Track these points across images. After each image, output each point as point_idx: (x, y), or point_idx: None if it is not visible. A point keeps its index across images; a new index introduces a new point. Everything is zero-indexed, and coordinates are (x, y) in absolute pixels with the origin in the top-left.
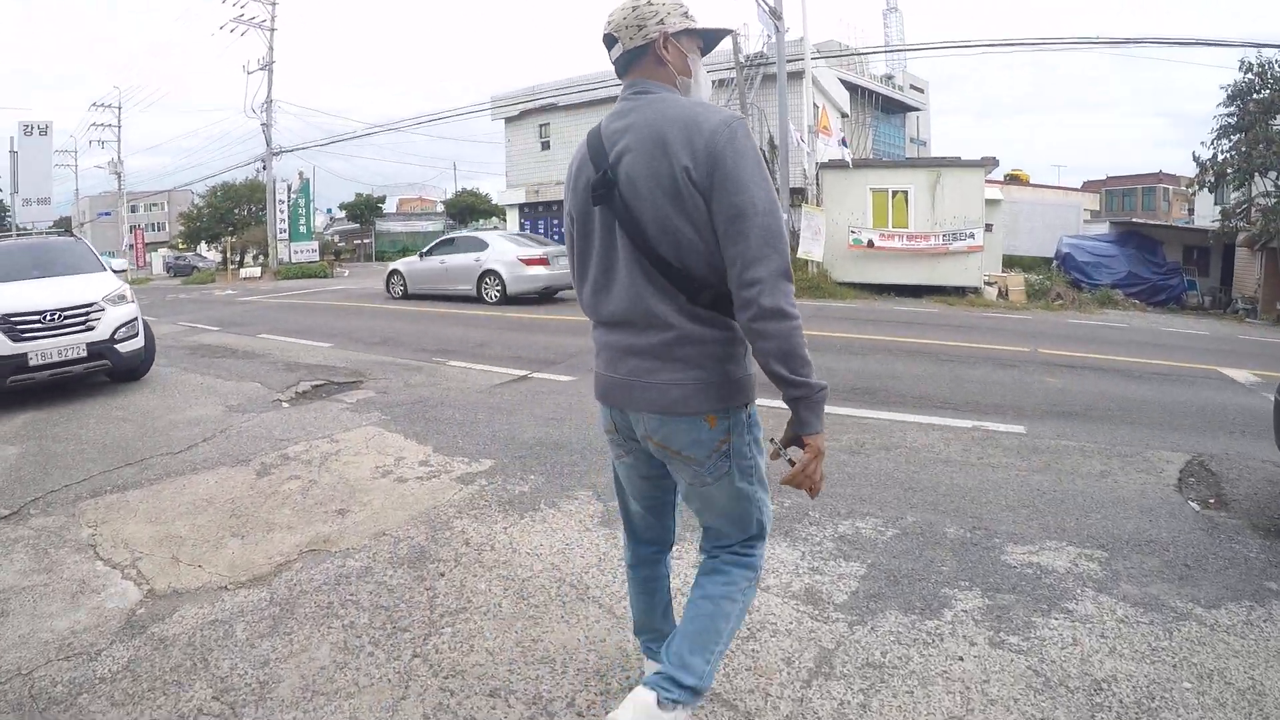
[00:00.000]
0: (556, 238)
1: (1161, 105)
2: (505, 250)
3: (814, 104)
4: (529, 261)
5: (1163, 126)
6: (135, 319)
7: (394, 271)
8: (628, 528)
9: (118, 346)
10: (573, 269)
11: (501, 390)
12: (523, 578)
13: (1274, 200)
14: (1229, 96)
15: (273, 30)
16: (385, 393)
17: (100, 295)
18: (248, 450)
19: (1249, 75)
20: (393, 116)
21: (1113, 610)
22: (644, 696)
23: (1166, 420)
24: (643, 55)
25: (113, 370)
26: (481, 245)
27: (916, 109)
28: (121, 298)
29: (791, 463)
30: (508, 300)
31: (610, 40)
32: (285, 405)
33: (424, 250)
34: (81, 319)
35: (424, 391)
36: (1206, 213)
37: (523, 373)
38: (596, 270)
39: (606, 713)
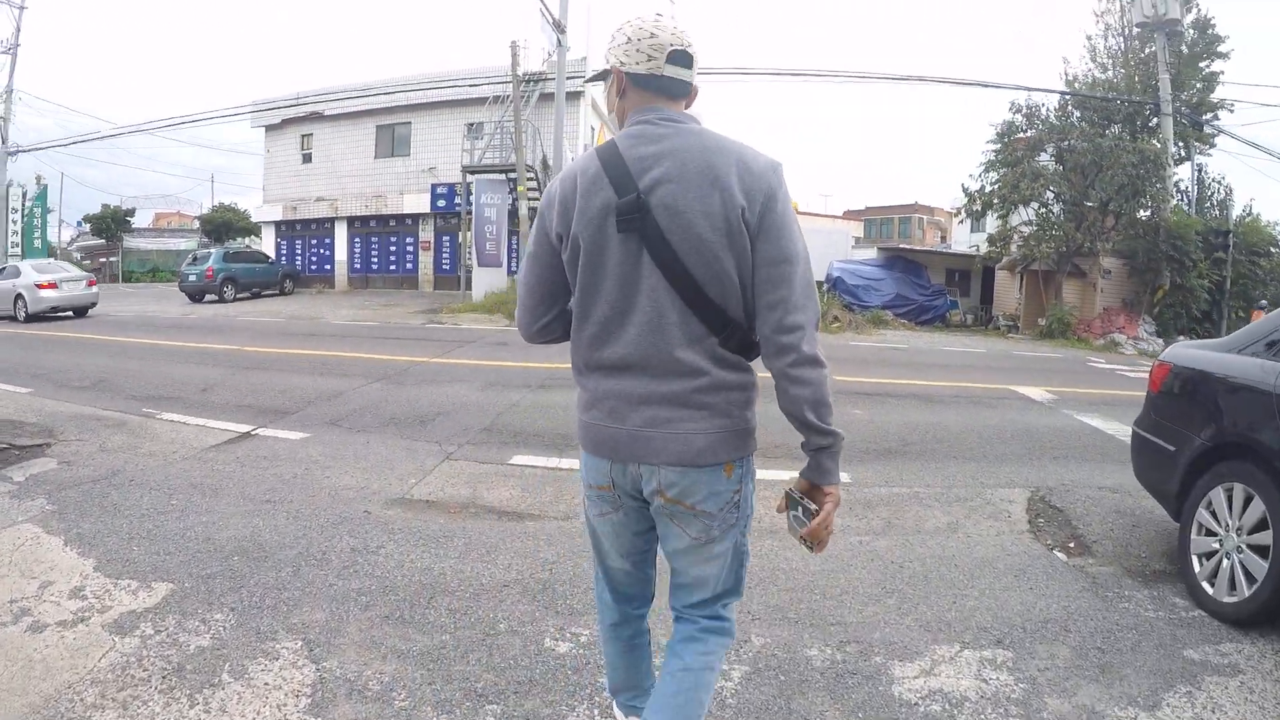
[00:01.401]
0: (314, 257)
1: (918, 139)
2: (30, 276)
3: (591, 126)
4: (42, 286)
5: (916, 160)
6: None
7: None
8: (609, 588)
9: None
10: (532, 302)
11: (215, 456)
12: None
13: (1034, 228)
14: (998, 134)
15: (22, 8)
16: (70, 463)
17: None
18: None
19: (1017, 115)
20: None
21: None
22: None
23: (988, 450)
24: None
25: None
26: (17, 272)
27: None
28: None
29: (801, 518)
30: (30, 318)
31: (686, 59)
32: None
33: None
34: None
35: (119, 459)
36: (963, 239)
37: (247, 428)
38: (607, 308)
39: None
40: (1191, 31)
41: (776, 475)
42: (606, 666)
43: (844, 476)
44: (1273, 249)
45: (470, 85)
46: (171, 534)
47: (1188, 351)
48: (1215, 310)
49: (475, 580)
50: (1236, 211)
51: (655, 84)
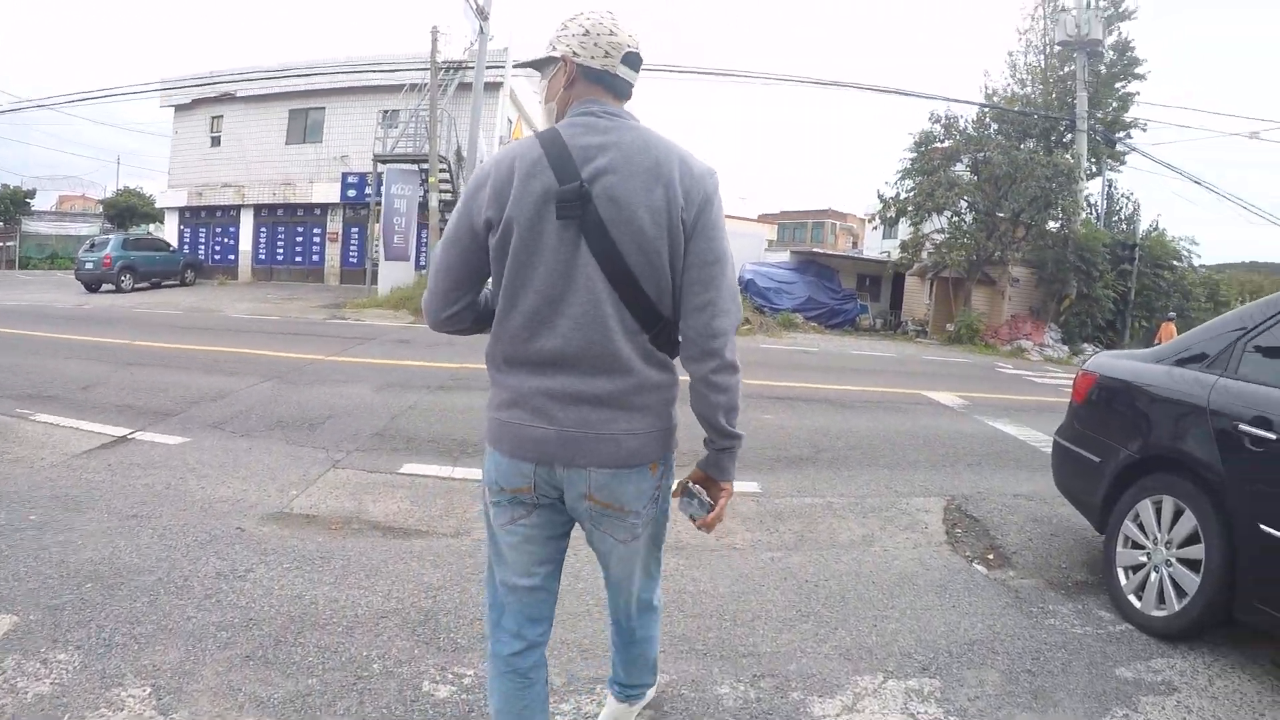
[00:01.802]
0: (218, 246)
1: (836, 145)
2: None
3: (509, 118)
4: None
5: (833, 165)
6: None
7: None
8: (511, 613)
9: None
10: (445, 287)
11: (85, 463)
12: None
13: (946, 236)
14: (916, 143)
15: None
16: None
17: None
18: None
19: (936, 126)
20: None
21: None
22: (618, 706)
23: (901, 457)
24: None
25: None
26: None
27: None
28: None
29: (698, 510)
30: None
31: (637, 61)
32: None
33: None
34: None
35: None
36: (874, 245)
37: (124, 431)
38: (538, 298)
39: None
40: (1111, 53)
41: None
42: (493, 715)
43: (753, 486)
44: (1176, 263)
45: (388, 71)
46: (24, 555)
47: (1114, 362)
48: (1119, 320)
49: (350, 610)
50: (1143, 226)
51: (607, 80)
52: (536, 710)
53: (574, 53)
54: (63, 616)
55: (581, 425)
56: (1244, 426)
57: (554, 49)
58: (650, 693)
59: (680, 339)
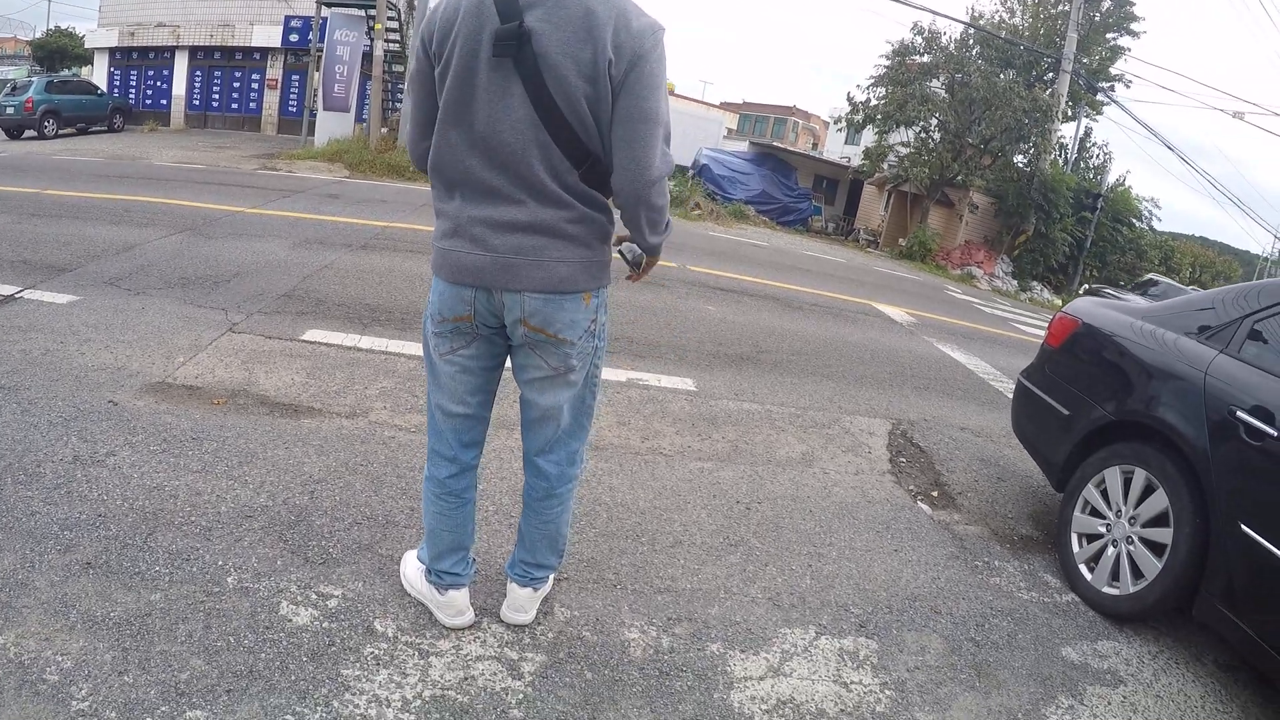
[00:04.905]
0: (150, 91)
1: (802, 51)
2: None
3: None
4: None
5: (799, 69)
6: None
7: None
8: (449, 437)
9: None
10: (416, 124)
11: None
12: None
13: (911, 150)
14: (894, 51)
15: None
16: None
17: None
18: None
19: (917, 38)
20: None
21: None
22: (520, 591)
23: (847, 370)
24: None
25: None
26: None
27: None
28: None
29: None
30: None
31: None
32: None
33: None
34: None
35: None
36: (835, 149)
37: (13, 289)
38: (473, 131)
39: None
40: (1109, 2)
41: (648, 377)
42: (428, 536)
43: (688, 383)
44: (1136, 221)
45: None
46: None
47: (1102, 311)
48: (1072, 265)
49: (213, 506)
50: (1111, 179)
51: None
52: (467, 526)
53: None
54: None
55: (516, 251)
56: (1241, 414)
57: None
58: (551, 578)
59: (613, 188)
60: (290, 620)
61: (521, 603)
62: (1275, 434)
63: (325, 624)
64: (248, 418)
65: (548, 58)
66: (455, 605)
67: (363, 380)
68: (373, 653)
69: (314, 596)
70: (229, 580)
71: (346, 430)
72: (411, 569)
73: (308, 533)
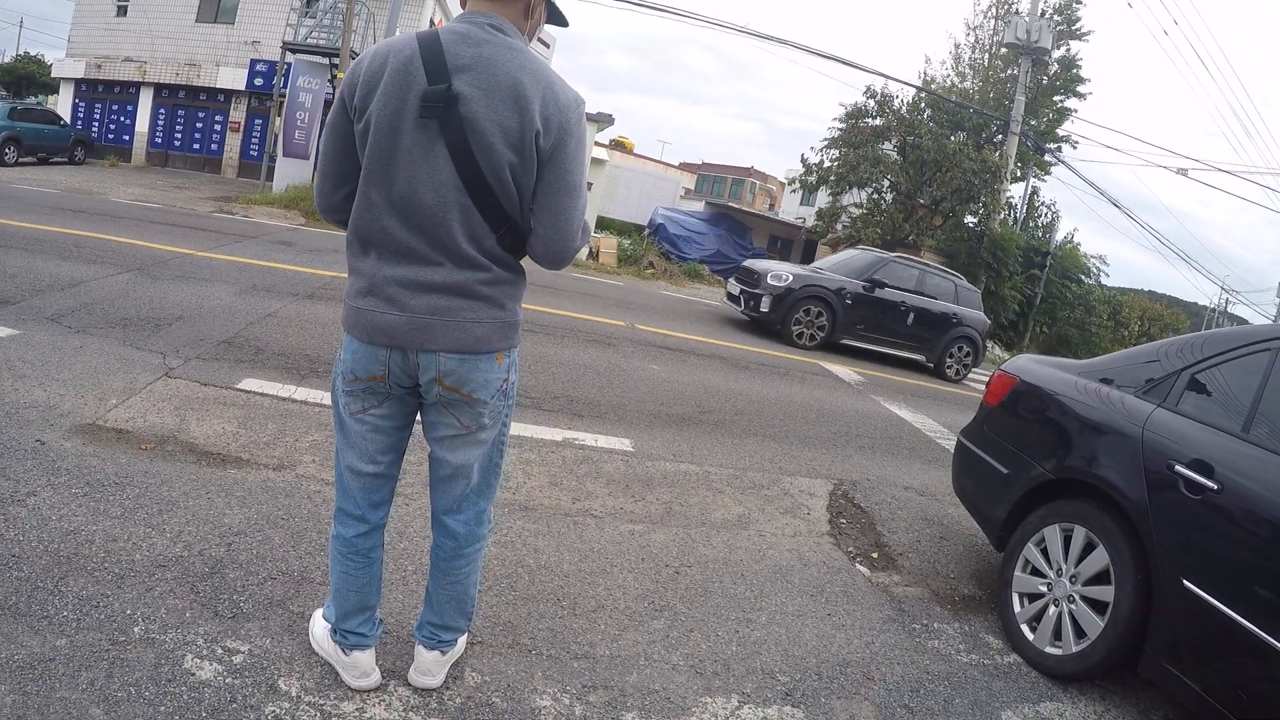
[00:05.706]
0: (113, 125)
1: (758, 114)
2: None
3: (433, 20)
4: None
5: (756, 131)
6: None
7: None
8: (358, 497)
9: None
10: (326, 176)
11: None
12: None
13: (863, 211)
14: (847, 114)
15: None
16: None
17: None
18: None
19: (870, 101)
20: None
21: None
22: (427, 655)
23: (790, 430)
24: None
25: None
26: None
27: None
28: None
29: None
30: None
31: None
32: None
33: None
34: None
35: None
36: (791, 210)
37: None
38: (392, 191)
39: None
40: (1056, 66)
41: (585, 436)
42: (334, 595)
43: (625, 444)
44: (1084, 277)
45: None
46: None
47: (1040, 368)
48: (1022, 322)
49: (128, 554)
50: (1059, 236)
51: None
52: (373, 587)
53: None
54: None
55: (431, 312)
56: (1180, 468)
57: None
58: (462, 641)
59: (530, 253)
60: (193, 674)
61: (429, 666)
62: (1215, 487)
63: (229, 680)
64: (174, 465)
65: (475, 123)
66: (360, 666)
67: (294, 432)
68: (274, 712)
69: (220, 651)
70: (135, 630)
71: (272, 482)
72: (319, 628)
73: (220, 585)
